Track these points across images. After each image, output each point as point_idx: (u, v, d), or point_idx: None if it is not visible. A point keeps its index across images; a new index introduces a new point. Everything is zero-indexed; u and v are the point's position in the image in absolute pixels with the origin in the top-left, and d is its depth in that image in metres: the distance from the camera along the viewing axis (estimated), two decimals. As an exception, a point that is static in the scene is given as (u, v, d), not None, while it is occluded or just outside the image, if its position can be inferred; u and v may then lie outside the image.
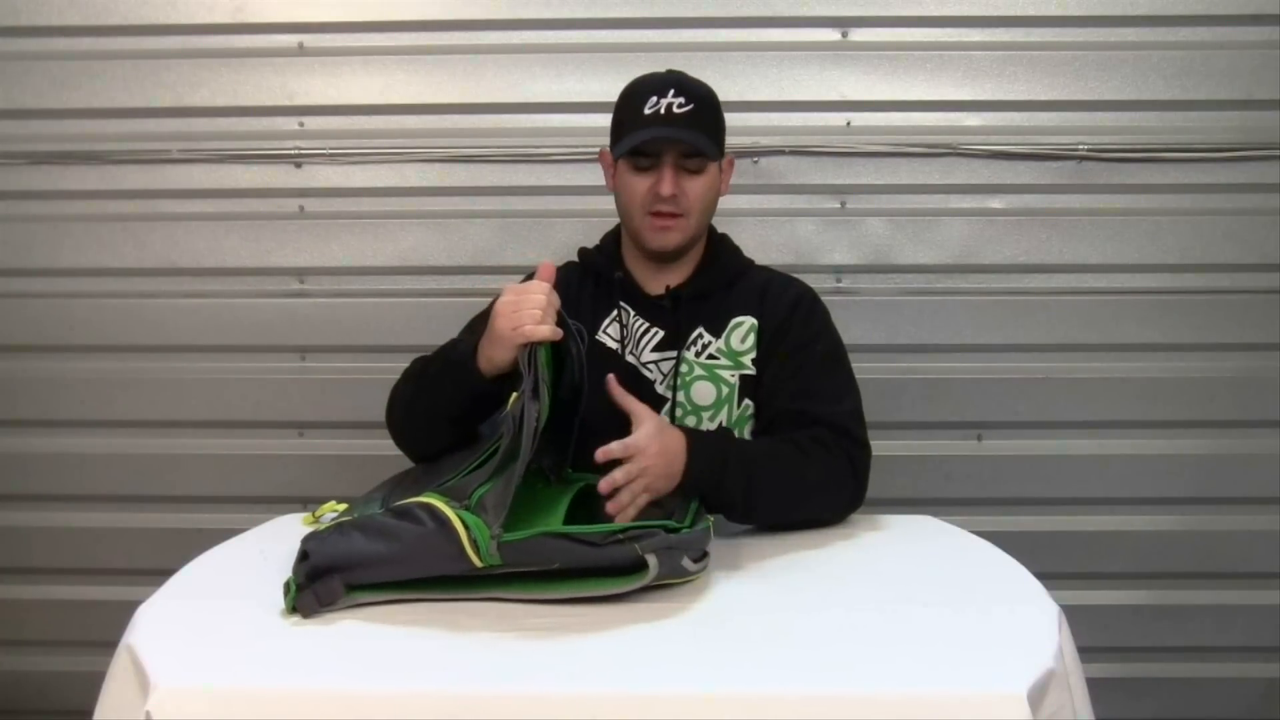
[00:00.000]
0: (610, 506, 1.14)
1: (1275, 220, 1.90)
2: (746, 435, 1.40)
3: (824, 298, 1.49)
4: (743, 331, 1.42)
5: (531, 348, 1.09)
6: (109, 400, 1.97)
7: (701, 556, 1.08)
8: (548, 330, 1.11)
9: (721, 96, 1.46)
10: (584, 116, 1.88)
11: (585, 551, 0.99)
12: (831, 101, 1.90)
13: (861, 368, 1.45)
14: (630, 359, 1.41)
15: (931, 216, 1.92)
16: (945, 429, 1.94)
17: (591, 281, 1.47)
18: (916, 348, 1.93)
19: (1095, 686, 0.99)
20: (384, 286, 1.95)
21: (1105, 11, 1.88)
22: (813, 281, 1.51)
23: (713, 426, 1.39)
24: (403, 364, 1.41)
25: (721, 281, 1.45)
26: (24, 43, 1.92)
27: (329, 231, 1.95)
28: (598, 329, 1.43)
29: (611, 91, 1.43)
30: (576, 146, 1.89)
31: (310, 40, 1.92)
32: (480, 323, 1.36)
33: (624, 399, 1.24)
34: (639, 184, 1.37)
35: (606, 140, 1.44)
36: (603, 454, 1.15)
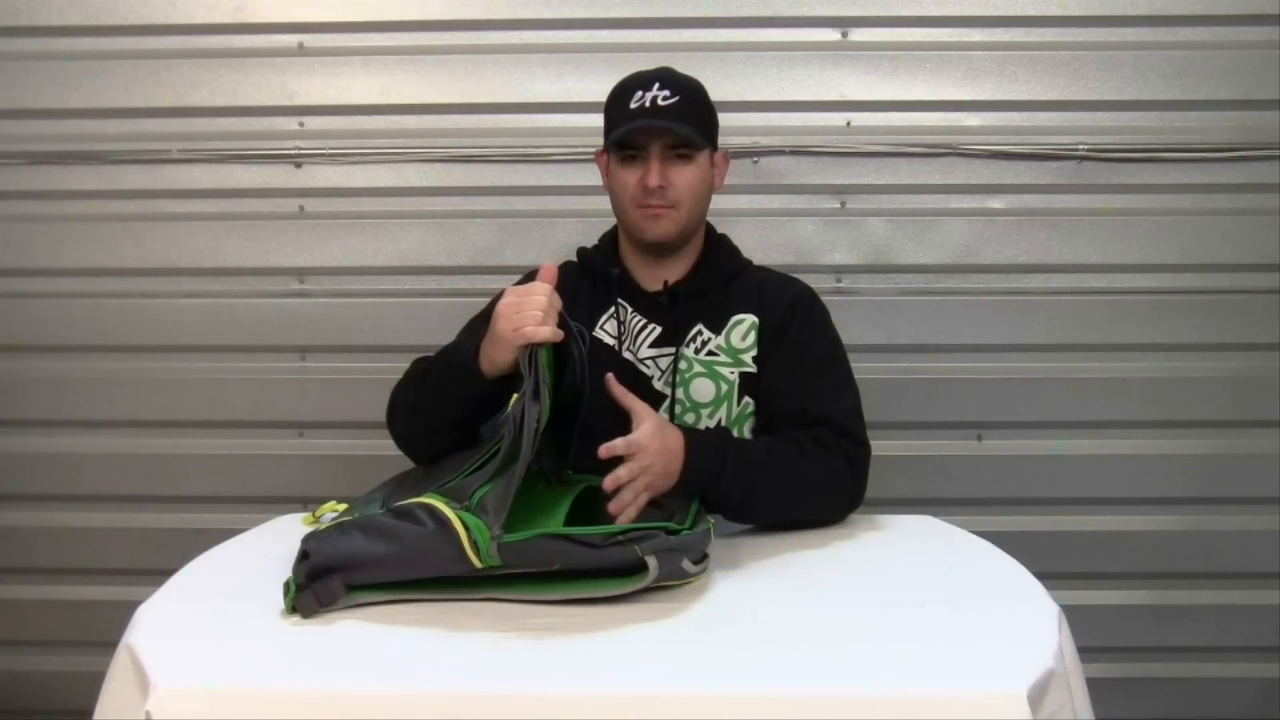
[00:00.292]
0: (612, 506, 1.14)
1: (1275, 220, 1.90)
2: (746, 433, 1.40)
3: (824, 298, 1.49)
4: (744, 329, 1.42)
5: (532, 349, 1.09)
6: (109, 400, 1.97)
7: (701, 558, 1.08)
8: (548, 332, 1.11)
9: (721, 96, 1.46)
10: (584, 116, 1.87)
11: (585, 553, 0.99)
12: (831, 101, 1.90)
13: (861, 368, 1.45)
14: (627, 355, 1.42)
15: (931, 216, 1.92)
16: (945, 429, 1.94)
17: (589, 279, 1.48)
18: (916, 348, 1.93)
19: (1095, 686, 0.99)
20: (384, 286, 1.95)
21: (1105, 11, 1.88)
22: (813, 281, 1.51)
23: (712, 424, 1.39)
24: (403, 364, 1.41)
25: (720, 279, 1.46)
26: (24, 43, 1.92)
27: (329, 231, 1.95)
28: (595, 325, 1.43)
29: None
30: (576, 146, 1.89)
31: (310, 40, 1.92)
32: (479, 323, 1.37)
33: (624, 397, 1.25)
34: (628, 177, 1.39)
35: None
36: (606, 450, 1.15)
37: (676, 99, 1.35)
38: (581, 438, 1.21)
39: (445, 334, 1.45)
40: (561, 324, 1.13)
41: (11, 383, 1.98)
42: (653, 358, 1.42)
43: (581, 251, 1.52)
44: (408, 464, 1.37)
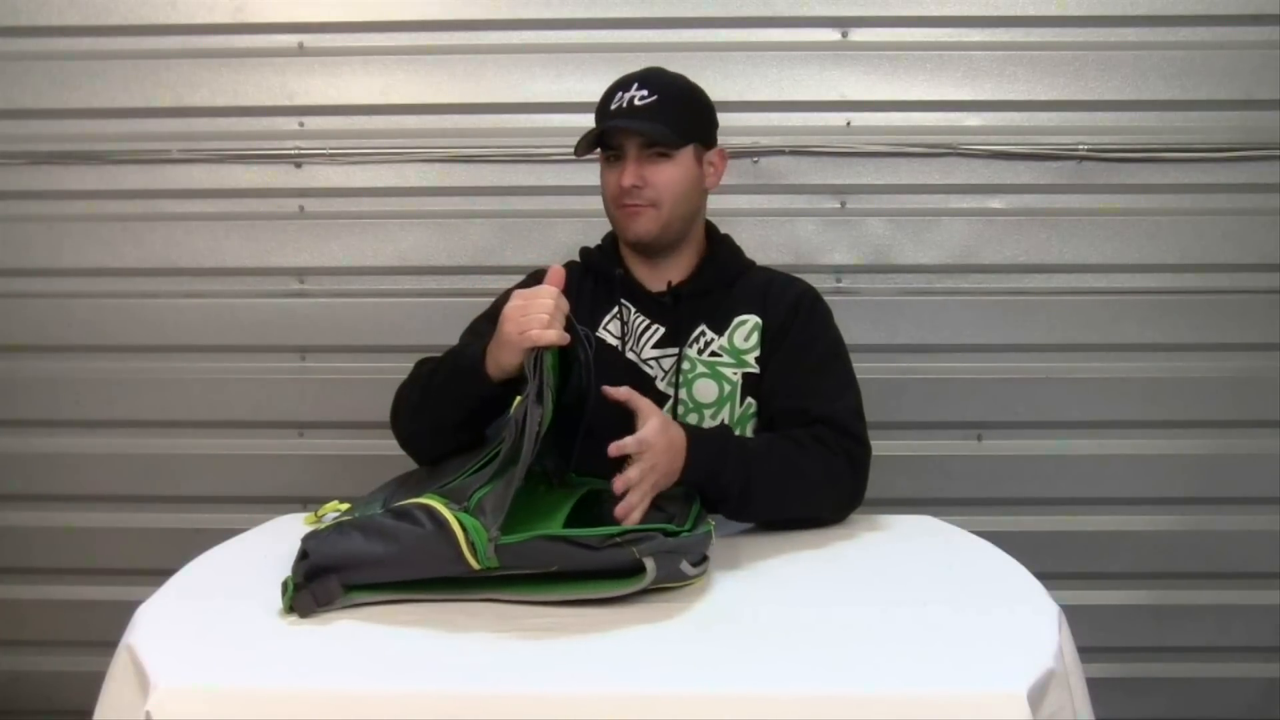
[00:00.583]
0: (619, 509, 1.13)
1: (1275, 220, 1.90)
2: (748, 434, 1.40)
3: (824, 297, 1.49)
4: (746, 329, 1.42)
5: (537, 352, 1.09)
6: (109, 400, 1.97)
7: (700, 560, 1.07)
8: (554, 335, 1.11)
9: (721, 96, 1.46)
10: (584, 116, 1.83)
11: (583, 555, 0.99)
12: (831, 101, 1.90)
13: (861, 368, 1.45)
14: (631, 355, 1.42)
15: (931, 216, 1.92)
16: (945, 429, 1.94)
17: (592, 279, 1.48)
18: (916, 348, 1.93)
19: (1095, 686, 0.99)
20: (384, 286, 1.95)
21: (1105, 11, 1.88)
22: (813, 281, 1.51)
23: (714, 424, 1.39)
24: (403, 364, 1.41)
25: (722, 279, 1.46)
26: (24, 43, 1.92)
27: (329, 231, 1.95)
28: (598, 326, 1.43)
29: (611, 92, 1.43)
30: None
31: (310, 40, 1.92)
32: (484, 324, 1.37)
33: (629, 396, 1.24)
34: (610, 177, 1.40)
35: (606, 140, 1.45)
36: (616, 449, 1.15)
37: (654, 99, 1.36)
38: (584, 440, 1.21)
39: (445, 334, 1.45)
40: (568, 327, 1.13)
41: (11, 383, 1.98)
42: (656, 358, 1.42)
43: (584, 251, 1.52)
44: (408, 464, 1.36)
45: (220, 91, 1.93)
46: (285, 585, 0.98)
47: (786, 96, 1.91)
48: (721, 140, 1.48)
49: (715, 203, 1.50)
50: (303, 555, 1.01)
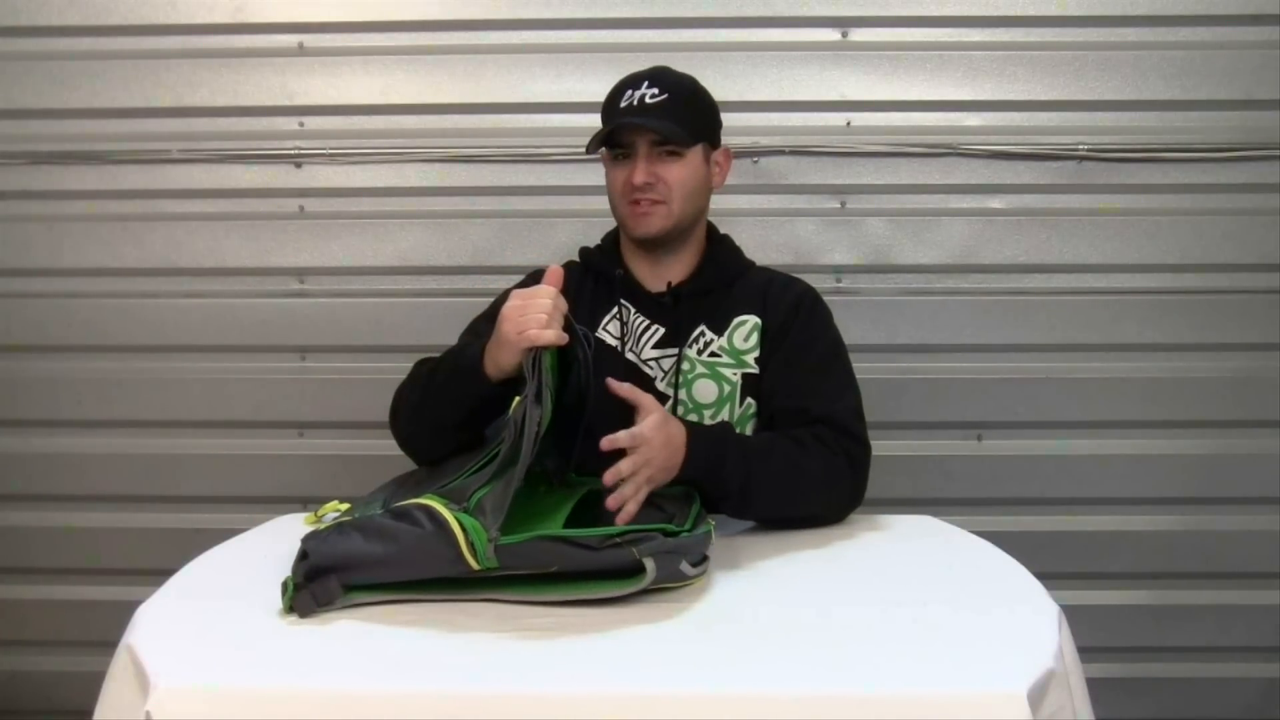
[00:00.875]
0: (611, 500, 1.13)
1: (1275, 220, 1.90)
2: (748, 434, 1.40)
3: (824, 297, 1.49)
4: (746, 330, 1.42)
5: (536, 352, 1.09)
6: (109, 400, 1.97)
7: (700, 561, 1.07)
8: (553, 335, 1.11)
9: (721, 96, 1.46)
10: (584, 116, 1.85)
11: (582, 555, 0.99)
12: (831, 101, 1.90)
13: (861, 368, 1.45)
14: (630, 356, 1.42)
15: (931, 216, 1.92)
16: (945, 429, 1.94)
17: (592, 279, 1.48)
18: (916, 348, 1.93)
19: (1095, 686, 0.99)
20: (384, 286, 1.95)
21: (1105, 11, 1.88)
22: (813, 281, 1.51)
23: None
24: (403, 364, 1.41)
25: (722, 279, 1.46)
26: (24, 43, 1.92)
27: (329, 231, 1.95)
28: (598, 326, 1.43)
29: (612, 92, 1.43)
30: (576, 146, 1.87)
31: (310, 40, 1.92)
32: (483, 323, 1.37)
33: (631, 392, 1.23)
34: (618, 175, 1.40)
35: (606, 141, 1.44)
36: (608, 443, 1.15)
37: (665, 97, 1.36)
38: (584, 439, 1.21)
39: (445, 334, 1.45)
40: (567, 327, 1.13)
41: (11, 383, 1.98)
42: (655, 359, 1.42)
43: (584, 251, 1.52)
44: (408, 464, 1.37)
45: (220, 91, 1.93)
46: (285, 585, 0.98)
47: (786, 96, 1.91)
48: (722, 140, 1.48)
49: (715, 202, 1.50)
50: (303, 555, 1.01)
